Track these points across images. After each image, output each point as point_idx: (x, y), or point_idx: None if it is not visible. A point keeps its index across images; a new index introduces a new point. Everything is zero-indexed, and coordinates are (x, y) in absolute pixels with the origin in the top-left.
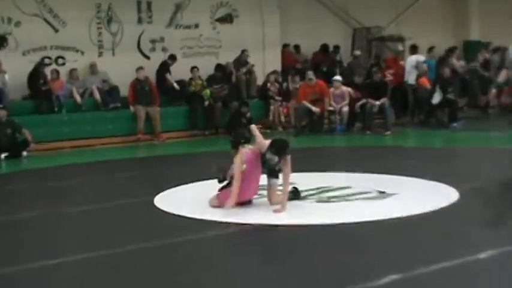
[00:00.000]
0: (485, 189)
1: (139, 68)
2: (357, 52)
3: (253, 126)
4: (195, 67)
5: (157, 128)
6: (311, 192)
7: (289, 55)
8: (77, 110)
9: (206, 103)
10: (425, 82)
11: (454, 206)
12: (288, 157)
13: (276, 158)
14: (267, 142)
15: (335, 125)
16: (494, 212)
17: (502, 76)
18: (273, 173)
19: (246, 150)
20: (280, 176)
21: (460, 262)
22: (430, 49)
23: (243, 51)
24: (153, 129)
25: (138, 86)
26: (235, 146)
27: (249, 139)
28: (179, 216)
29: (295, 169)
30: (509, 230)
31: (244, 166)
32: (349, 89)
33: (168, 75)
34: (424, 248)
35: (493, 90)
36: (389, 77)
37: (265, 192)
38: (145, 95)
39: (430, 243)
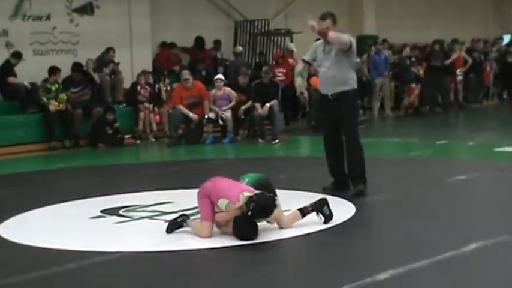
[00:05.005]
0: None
1: None
2: (239, 48)
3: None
4: (56, 68)
5: None
6: (191, 211)
7: (170, 54)
8: None
9: (51, 108)
10: (317, 82)
11: (352, 221)
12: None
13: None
14: None
15: (210, 135)
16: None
17: None
18: None
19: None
20: None
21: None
22: None
23: (108, 49)
24: None
25: None
26: None
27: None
28: (31, 247)
29: (170, 185)
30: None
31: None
32: (233, 92)
33: (11, 79)
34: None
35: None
36: (280, 76)
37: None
38: None
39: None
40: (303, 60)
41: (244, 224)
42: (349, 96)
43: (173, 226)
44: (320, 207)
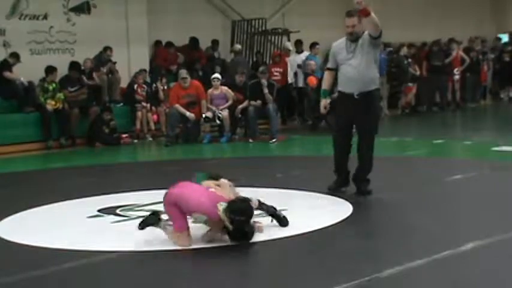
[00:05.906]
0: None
1: None
2: (237, 46)
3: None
4: (53, 67)
5: None
6: None
7: (167, 54)
8: None
9: (48, 107)
10: (313, 81)
11: (349, 220)
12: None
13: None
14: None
15: (207, 134)
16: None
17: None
18: None
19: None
20: None
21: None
22: (313, 45)
23: (105, 48)
24: None
25: None
26: None
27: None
28: (28, 246)
29: (167, 184)
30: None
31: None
32: (230, 91)
33: (7, 74)
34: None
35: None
36: (277, 76)
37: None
38: None
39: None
40: (328, 68)
41: (237, 232)
42: (374, 97)
43: (145, 225)
44: (273, 212)
